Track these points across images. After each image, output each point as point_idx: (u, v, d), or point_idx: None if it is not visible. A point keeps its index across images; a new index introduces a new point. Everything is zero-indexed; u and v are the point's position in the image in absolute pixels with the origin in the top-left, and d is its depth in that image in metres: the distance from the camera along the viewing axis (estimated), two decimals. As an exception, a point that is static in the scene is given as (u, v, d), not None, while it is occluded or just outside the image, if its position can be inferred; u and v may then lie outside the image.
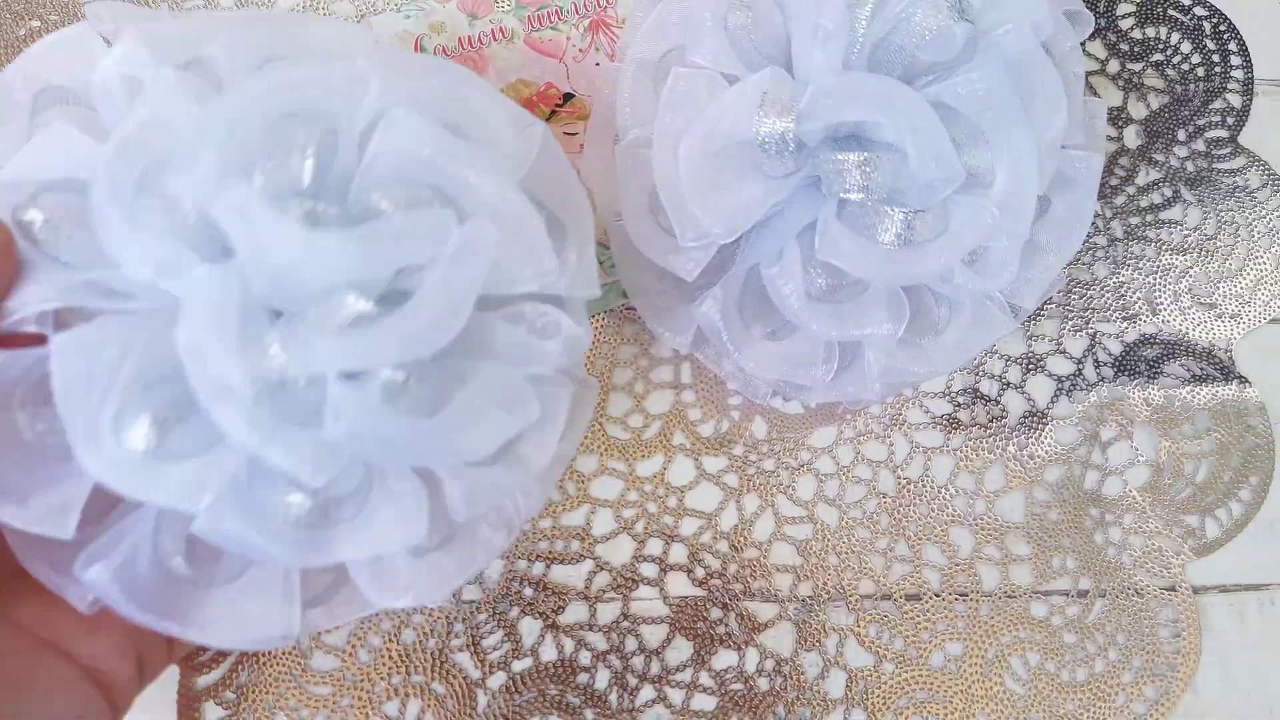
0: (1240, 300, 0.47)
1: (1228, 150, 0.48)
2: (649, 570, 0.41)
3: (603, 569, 0.41)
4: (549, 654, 0.40)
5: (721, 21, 0.38)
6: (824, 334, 0.38)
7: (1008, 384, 0.45)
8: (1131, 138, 0.48)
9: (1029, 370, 0.45)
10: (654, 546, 0.41)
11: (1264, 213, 0.48)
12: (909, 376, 0.40)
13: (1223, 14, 0.49)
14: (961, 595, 0.42)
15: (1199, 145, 0.48)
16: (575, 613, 0.40)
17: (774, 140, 0.36)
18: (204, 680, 0.38)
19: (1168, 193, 0.48)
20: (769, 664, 0.40)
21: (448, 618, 0.40)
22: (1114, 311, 0.46)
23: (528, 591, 0.40)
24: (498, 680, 0.39)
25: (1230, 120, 0.49)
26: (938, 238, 0.36)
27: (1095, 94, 0.48)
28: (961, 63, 0.36)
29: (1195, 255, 0.47)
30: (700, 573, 0.41)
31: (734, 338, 0.39)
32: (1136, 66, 0.49)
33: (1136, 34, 0.49)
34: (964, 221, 0.36)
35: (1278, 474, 0.44)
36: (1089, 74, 0.49)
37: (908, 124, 0.35)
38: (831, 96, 0.35)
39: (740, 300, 0.40)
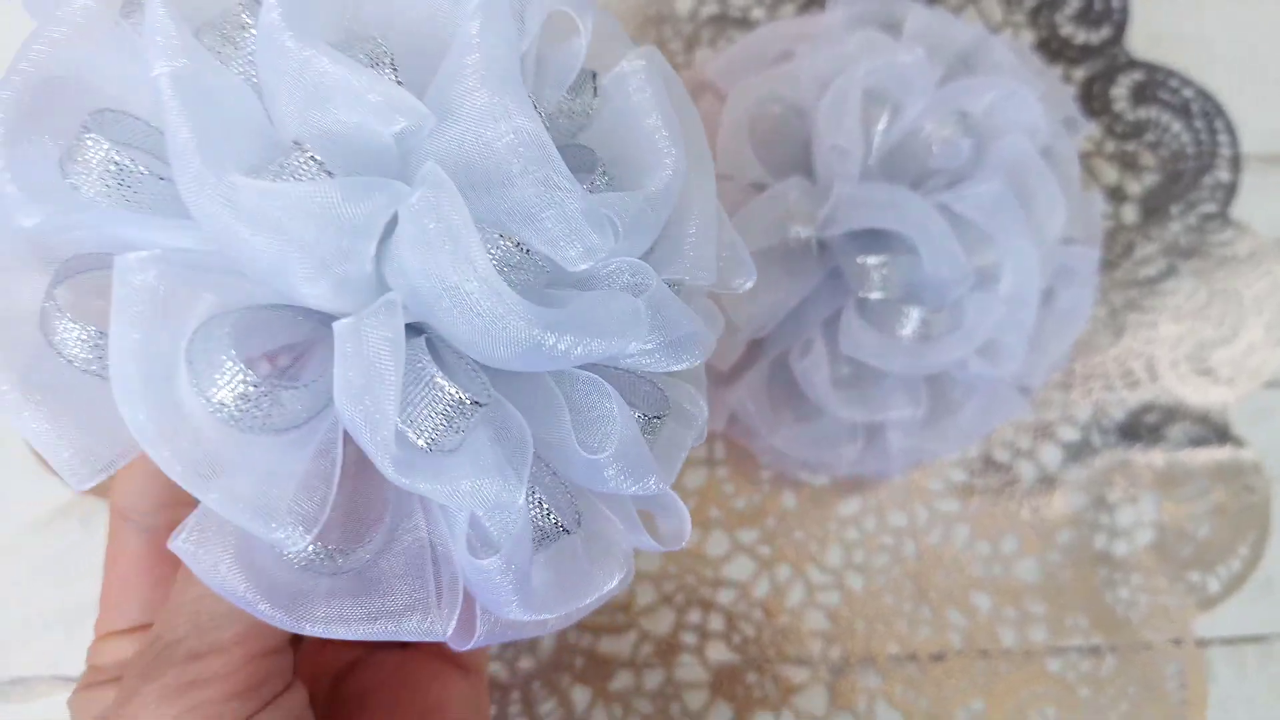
0: (1234, 366, 0.50)
1: (1218, 223, 0.52)
2: (690, 638, 0.44)
3: (646, 638, 0.44)
4: None
5: (745, 130, 0.42)
6: (849, 418, 0.41)
7: (1019, 451, 0.48)
8: (1128, 214, 0.51)
9: (1038, 437, 0.48)
10: (694, 616, 0.44)
11: (1253, 282, 0.51)
12: (928, 454, 0.43)
13: (1209, 95, 0.53)
14: (982, 654, 0.45)
15: (1191, 219, 0.52)
16: (623, 680, 0.43)
17: (800, 245, 0.40)
18: None
19: (1163, 265, 0.51)
20: (804, 724, 0.43)
21: (505, 686, 0.43)
22: (1116, 379, 0.49)
23: (578, 661, 0.43)
24: (553, 745, 0.42)
25: (1220, 195, 0.52)
26: (952, 333, 0.39)
27: (1093, 175, 0.52)
28: (968, 169, 0.40)
29: (1191, 324, 0.50)
30: (737, 639, 0.44)
31: (765, 422, 0.42)
32: (1131, 147, 0.52)
33: (1130, 116, 0.52)
34: (976, 317, 0.39)
35: (1274, 530, 0.47)
36: (1087, 155, 0.52)
37: (921, 232, 0.38)
38: (850, 206, 0.39)
39: (770, 386, 0.43)
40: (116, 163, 0.20)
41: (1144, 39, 0.53)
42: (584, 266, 0.22)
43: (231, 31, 0.21)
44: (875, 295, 0.39)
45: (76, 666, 0.41)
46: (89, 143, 0.20)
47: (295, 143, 0.20)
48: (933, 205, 0.38)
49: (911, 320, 0.39)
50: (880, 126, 0.39)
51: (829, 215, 0.39)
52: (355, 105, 0.20)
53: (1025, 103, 0.40)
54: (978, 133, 0.39)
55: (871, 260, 0.39)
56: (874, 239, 0.40)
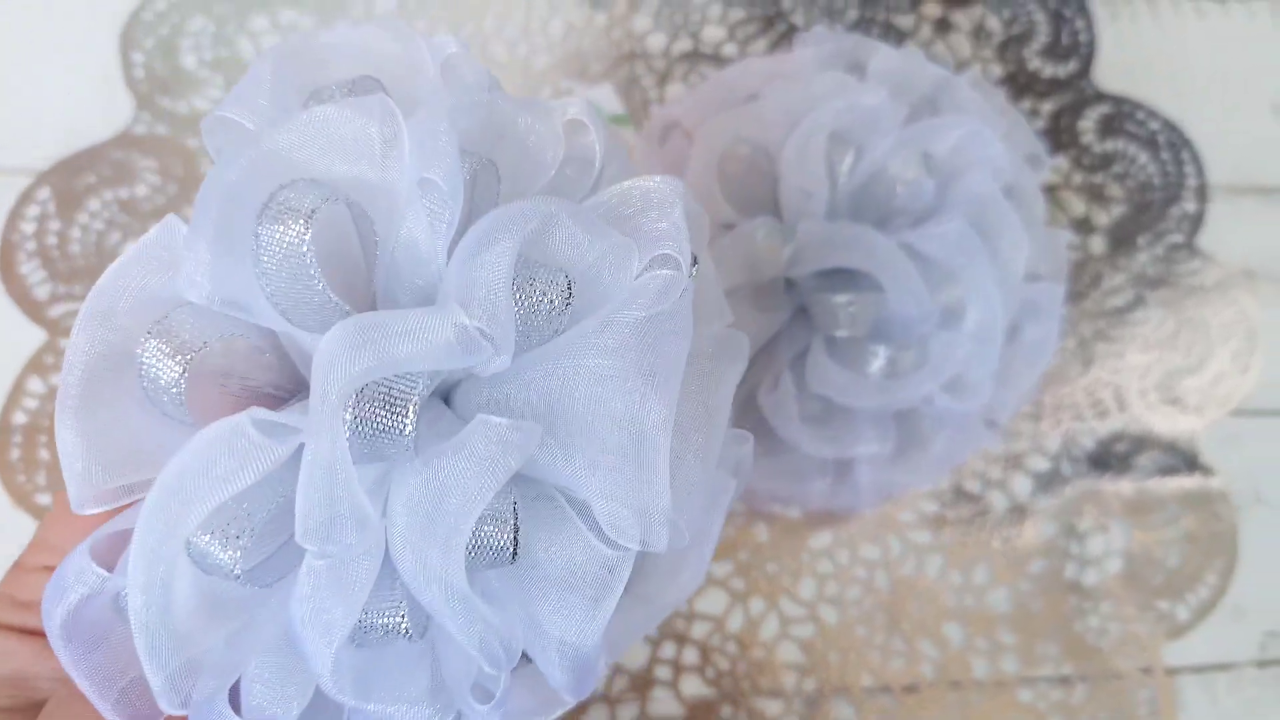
0: (1202, 394, 0.50)
1: (1185, 253, 0.52)
2: (664, 672, 0.44)
3: (621, 672, 0.44)
4: (574, 754, 0.43)
5: (714, 170, 0.42)
6: (818, 454, 0.41)
7: (990, 481, 0.48)
8: (1096, 245, 0.52)
9: (1009, 468, 0.49)
10: (668, 649, 0.45)
11: (1219, 311, 0.51)
12: (898, 487, 0.44)
13: (1175, 127, 0.54)
14: (954, 685, 0.45)
15: (1159, 250, 0.52)
16: (597, 715, 0.44)
17: (768, 283, 0.40)
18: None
19: (1131, 295, 0.52)
20: (778, 756, 0.44)
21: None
22: (1085, 409, 0.50)
23: (553, 696, 0.43)
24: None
25: (1186, 225, 0.53)
26: (919, 369, 0.39)
27: (1061, 207, 0.52)
28: (933, 208, 0.40)
29: (1159, 353, 0.51)
30: (711, 673, 0.44)
31: (736, 457, 0.42)
32: (1098, 179, 0.53)
33: (1097, 148, 0.53)
34: (942, 354, 0.39)
35: (1242, 557, 0.48)
36: (1055, 188, 0.53)
37: (886, 270, 0.38)
38: (816, 246, 0.39)
39: (739, 422, 0.43)
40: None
41: (1111, 72, 0.54)
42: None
43: None
44: (842, 333, 0.40)
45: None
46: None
47: None
48: (897, 244, 0.39)
49: (878, 357, 0.40)
50: (845, 167, 0.40)
51: (795, 254, 0.40)
52: None
53: (988, 142, 0.40)
54: (941, 172, 0.40)
55: (838, 298, 0.40)
56: (841, 277, 0.40)
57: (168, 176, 0.49)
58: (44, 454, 0.45)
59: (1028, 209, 0.42)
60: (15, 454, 0.45)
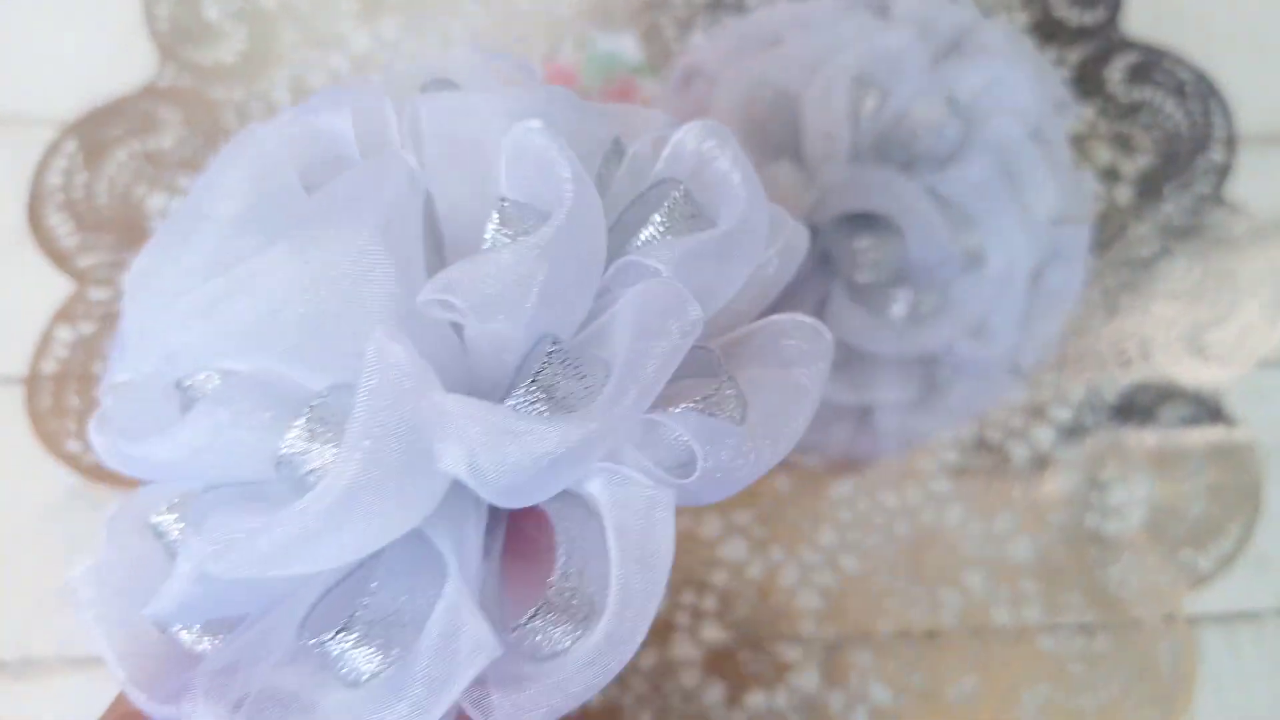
0: (1228, 346, 0.50)
1: (1212, 204, 0.52)
2: (683, 619, 0.45)
3: (643, 617, 0.45)
4: (593, 698, 0.44)
5: (737, 115, 0.42)
6: (839, 399, 0.41)
7: (1011, 431, 0.48)
8: (1123, 195, 0.52)
9: (1031, 417, 0.49)
10: (688, 596, 0.45)
11: (1247, 262, 0.51)
12: (919, 435, 0.44)
13: (1204, 75, 0.53)
14: (976, 632, 0.45)
15: (1186, 200, 0.52)
16: (619, 658, 0.44)
17: (788, 228, 0.40)
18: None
19: (1158, 246, 0.51)
20: (797, 701, 0.44)
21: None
22: (1109, 359, 0.50)
23: (575, 640, 0.44)
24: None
25: (1214, 175, 0.52)
26: (940, 315, 0.39)
27: (1088, 157, 0.52)
28: (957, 152, 0.40)
29: (1185, 304, 0.50)
30: (731, 619, 0.45)
31: (757, 404, 0.42)
32: (1125, 128, 0.52)
33: (1125, 98, 0.53)
34: (963, 299, 0.39)
35: (1265, 509, 0.48)
36: (1082, 138, 0.52)
37: (905, 213, 0.38)
38: (838, 190, 0.39)
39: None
40: None
41: (1140, 20, 0.54)
42: None
43: None
44: (864, 278, 0.40)
45: (86, 648, 0.42)
46: None
47: None
48: (920, 188, 0.39)
49: (900, 302, 0.40)
50: (868, 110, 0.40)
51: (817, 199, 0.39)
52: None
53: (1014, 85, 0.40)
54: (966, 116, 0.39)
55: (860, 243, 0.39)
56: (863, 222, 0.40)
57: (193, 128, 0.49)
58: (74, 401, 0.45)
59: (1053, 153, 0.41)
60: (46, 402, 0.46)
